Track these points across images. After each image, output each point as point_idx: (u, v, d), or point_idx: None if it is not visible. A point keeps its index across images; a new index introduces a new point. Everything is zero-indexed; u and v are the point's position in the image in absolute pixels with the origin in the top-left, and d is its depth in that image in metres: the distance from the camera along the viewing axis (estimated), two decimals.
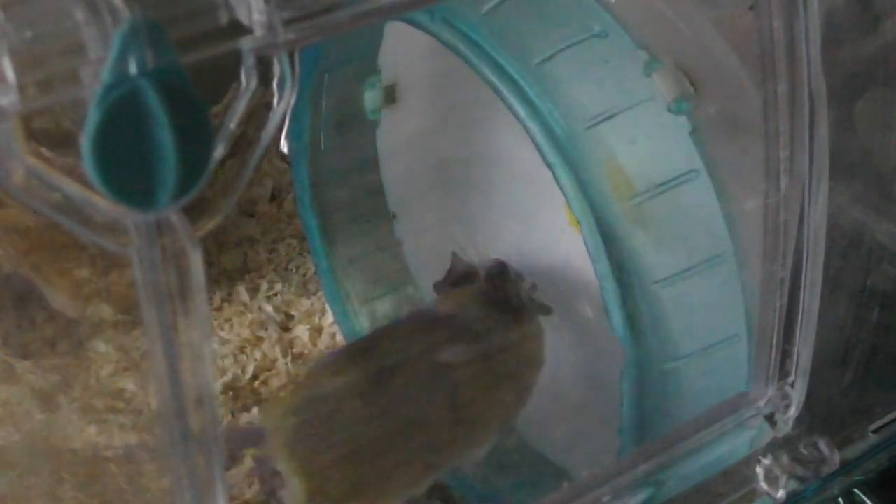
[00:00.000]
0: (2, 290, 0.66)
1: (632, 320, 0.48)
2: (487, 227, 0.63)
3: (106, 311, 0.68)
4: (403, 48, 0.63)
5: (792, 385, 0.45)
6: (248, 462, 0.64)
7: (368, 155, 0.68)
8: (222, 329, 0.73)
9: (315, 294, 0.75)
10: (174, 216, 0.29)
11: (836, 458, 0.46)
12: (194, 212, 0.29)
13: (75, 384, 0.65)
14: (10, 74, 0.26)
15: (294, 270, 0.78)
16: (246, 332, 0.73)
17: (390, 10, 0.34)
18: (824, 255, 0.43)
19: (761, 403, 0.45)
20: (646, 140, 0.47)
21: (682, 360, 0.48)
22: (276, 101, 0.30)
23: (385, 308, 0.70)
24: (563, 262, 0.57)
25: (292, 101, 0.30)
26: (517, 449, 0.64)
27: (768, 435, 0.46)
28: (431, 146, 0.65)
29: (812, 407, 0.46)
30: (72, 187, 0.28)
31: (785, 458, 0.46)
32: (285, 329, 0.74)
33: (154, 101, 0.27)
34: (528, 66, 0.48)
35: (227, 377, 0.70)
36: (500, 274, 0.57)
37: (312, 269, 0.74)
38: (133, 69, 0.27)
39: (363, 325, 0.70)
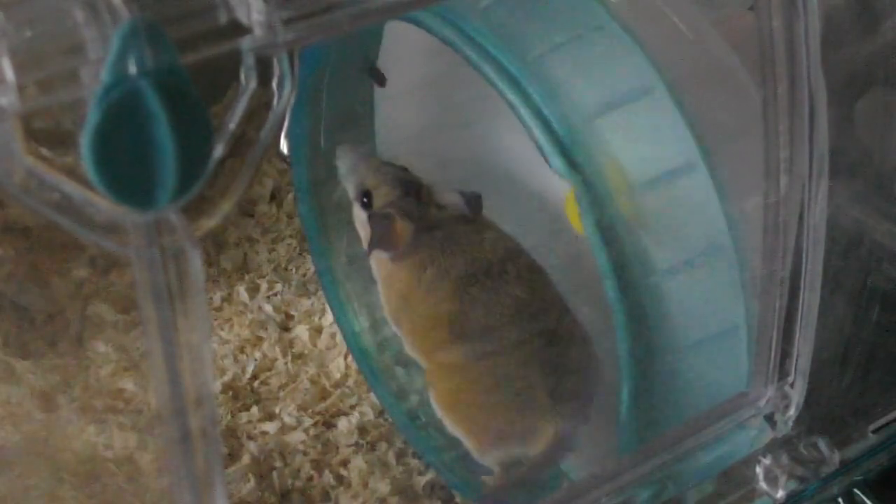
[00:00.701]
0: (1, 291, 0.66)
1: (633, 315, 0.48)
2: None
3: (106, 311, 0.68)
4: (403, 48, 0.63)
5: (792, 385, 0.45)
6: (245, 459, 0.64)
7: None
8: (222, 329, 0.73)
9: (315, 294, 0.75)
10: (174, 216, 0.29)
11: (835, 458, 0.46)
12: (194, 212, 0.29)
13: (75, 384, 0.65)
14: (9, 74, 0.26)
15: (294, 270, 0.78)
16: (246, 332, 0.73)
17: (390, 10, 0.34)
18: (824, 255, 0.43)
19: (761, 403, 0.45)
20: (644, 134, 0.47)
21: (683, 353, 0.48)
22: (275, 101, 0.30)
23: None
24: (563, 261, 0.57)
25: (292, 101, 0.30)
26: None
27: (768, 435, 0.46)
28: (431, 146, 0.65)
29: (812, 407, 0.46)
30: (71, 187, 0.28)
31: (785, 458, 0.46)
32: (285, 329, 0.74)
33: (154, 101, 0.27)
34: (526, 61, 0.48)
35: (227, 377, 0.70)
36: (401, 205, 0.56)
37: (312, 269, 0.74)
38: (133, 69, 0.27)
39: (363, 325, 0.70)
